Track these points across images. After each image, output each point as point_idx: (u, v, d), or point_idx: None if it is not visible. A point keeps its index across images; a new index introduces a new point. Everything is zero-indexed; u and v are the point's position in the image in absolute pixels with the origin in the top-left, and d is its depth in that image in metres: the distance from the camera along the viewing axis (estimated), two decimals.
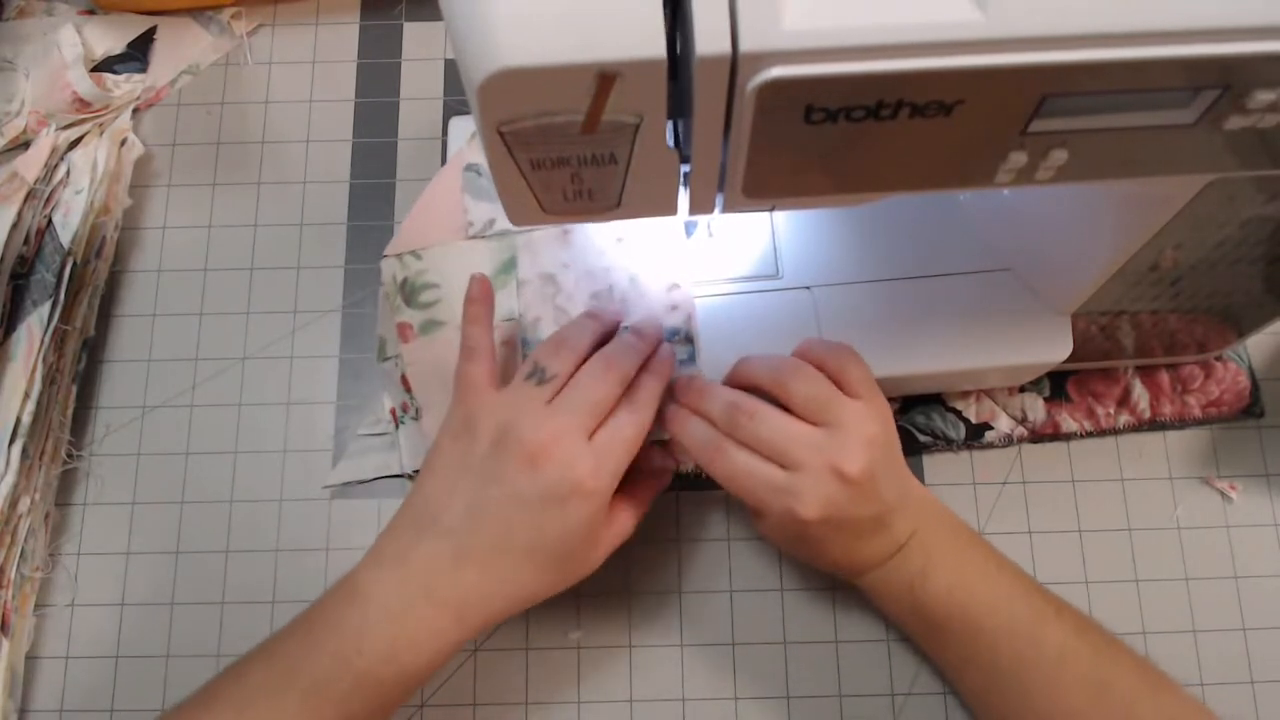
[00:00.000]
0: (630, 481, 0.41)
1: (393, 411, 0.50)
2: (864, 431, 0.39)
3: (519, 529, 0.38)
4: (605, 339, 0.43)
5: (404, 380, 0.48)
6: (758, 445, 0.40)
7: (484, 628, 0.39)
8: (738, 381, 0.43)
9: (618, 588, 0.49)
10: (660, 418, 0.42)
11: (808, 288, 0.46)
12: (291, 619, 0.39)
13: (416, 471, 0.49)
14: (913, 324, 0.46)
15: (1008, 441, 0.51)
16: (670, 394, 0.43)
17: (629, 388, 0.40)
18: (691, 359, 0.44)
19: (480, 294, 0.42)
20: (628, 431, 0.39)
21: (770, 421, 0.39)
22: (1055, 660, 0.39)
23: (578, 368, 0.40)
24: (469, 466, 0.39)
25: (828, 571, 0.45)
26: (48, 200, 0.52)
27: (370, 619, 0.37)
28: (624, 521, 0.41)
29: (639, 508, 0.42)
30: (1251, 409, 0.51)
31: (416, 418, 0.49)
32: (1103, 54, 0.25)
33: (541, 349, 0.41)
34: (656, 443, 0.50)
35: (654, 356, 0.42)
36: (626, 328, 0.44)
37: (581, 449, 0.38)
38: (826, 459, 0.38)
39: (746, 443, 0.40)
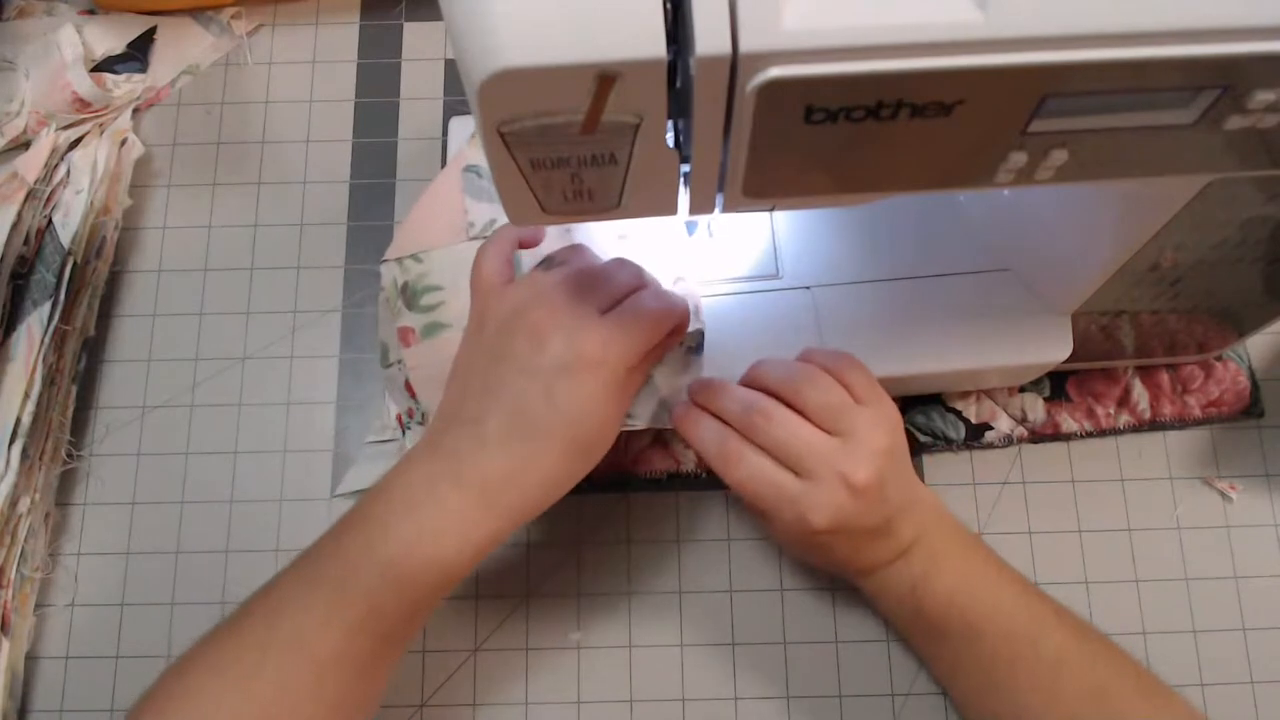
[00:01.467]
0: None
1: (399, 417, 0.50)
2: (875, 441, 0.39)
3: (532, 403, 0.36)
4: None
5: (408, 386, 0.48)
6: (772, 448, 0.39)
7: (516, 516, 0.37)
8: (751, 385, 0.42)
9: (618, 588, 0.49)
10: (673, 417, 0.42)
11: (808, 288, 0.46)
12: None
13: None
14: (913, 324, 0.46)
15: (1008, 441, 0.51)
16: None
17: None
18: (700, 348, 0.44)
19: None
20: (646, 308, 0.38)
21: (786, 425, 0.39)
22: (1052, 666, 0.39)
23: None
24: (482, 352, 0.38)
25: (831, 572, 0.45)
26: (48, 200, 0.52)
27: (397, 506, 0.36)
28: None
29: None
30: (1251, 409, 0.51)
31: (423, 423, 0.49)
32: (1103, 54, 0.25)
33: (561, 249, 0.41)
34: (658, 438, 0.50)
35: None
36: None
37: (588, 321, 0.37)
38: (838, 469, 0.38)
39: (761, 444, 0.40)
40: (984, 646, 0.40)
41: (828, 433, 0.39)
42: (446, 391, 0.40)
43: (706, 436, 0.41)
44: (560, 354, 0.36)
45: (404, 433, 0.50)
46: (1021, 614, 0.40)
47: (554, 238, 0.46)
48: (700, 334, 0.43)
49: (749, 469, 0.39)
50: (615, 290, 0.39)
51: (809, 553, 0.44)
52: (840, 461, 0.38)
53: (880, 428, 0.40)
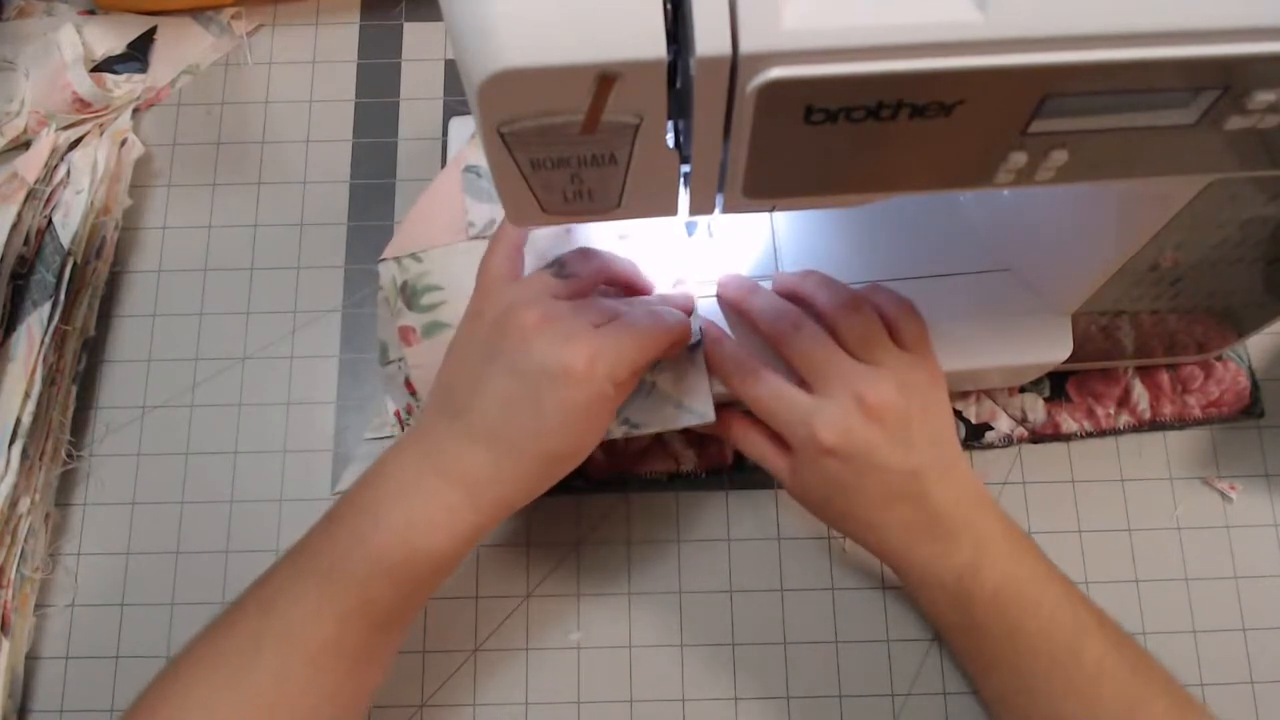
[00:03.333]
0: None
1: (397, 414, 0.50)
2: (904, 375, 0.39)
3: (517, 406, 0.36)
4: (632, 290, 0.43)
5: (408, 384, 0.48)
6: (794, 358, 0.39)
7: (498, 512, 0.37)
8: (792, 292, 0.42)
9: (618, 588, 0.49)
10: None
11: None
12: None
13: None
14: None
15: (1008, 442, 0.51)
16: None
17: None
18: (699, 345, 0.44)
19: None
20: (641, 326, 0.37)
21: (815, 337, 0.39)
22: (1092, 673, 0.38)
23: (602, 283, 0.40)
24: (475, 344, 0.38)
25: (871, 548, 0.42)
26: (48, 200, 0.52)
27: (386, 495, 0.37)
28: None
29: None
30: (1251, 409, 0.51)
31: None
32: (1103, 54, 0.25)
33: (571, 252, 0.41)
34: (658, 439, 0.50)
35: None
36: None
37: (580, 331, 0.36)
38: (854, 388, 0.38)
39: (784, 350, 0.40)
40: (1021, 645, 0.39)
41: (856, 359, 0.39)
42: (439, 376, 0.40)
43: (727, 352, 0.41)
44: (545, 361, 0.36)
45: (402, 429, 0.50)
46: (1065, 617, 0.39)
47: (554, 237, 0.46)
48: (700, 334, 0.43)
49: (765, 386, 0.40)
50: (615, 306, 0.39)
51: (836, 505, 0.41)
52: (858, 381, 0.38)
53: (917, 370, 0.39)
